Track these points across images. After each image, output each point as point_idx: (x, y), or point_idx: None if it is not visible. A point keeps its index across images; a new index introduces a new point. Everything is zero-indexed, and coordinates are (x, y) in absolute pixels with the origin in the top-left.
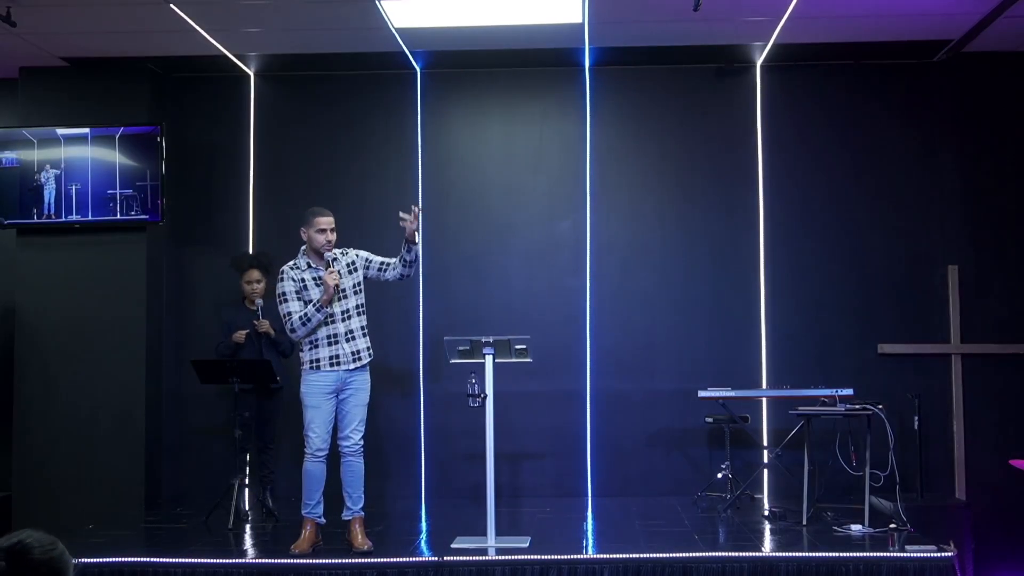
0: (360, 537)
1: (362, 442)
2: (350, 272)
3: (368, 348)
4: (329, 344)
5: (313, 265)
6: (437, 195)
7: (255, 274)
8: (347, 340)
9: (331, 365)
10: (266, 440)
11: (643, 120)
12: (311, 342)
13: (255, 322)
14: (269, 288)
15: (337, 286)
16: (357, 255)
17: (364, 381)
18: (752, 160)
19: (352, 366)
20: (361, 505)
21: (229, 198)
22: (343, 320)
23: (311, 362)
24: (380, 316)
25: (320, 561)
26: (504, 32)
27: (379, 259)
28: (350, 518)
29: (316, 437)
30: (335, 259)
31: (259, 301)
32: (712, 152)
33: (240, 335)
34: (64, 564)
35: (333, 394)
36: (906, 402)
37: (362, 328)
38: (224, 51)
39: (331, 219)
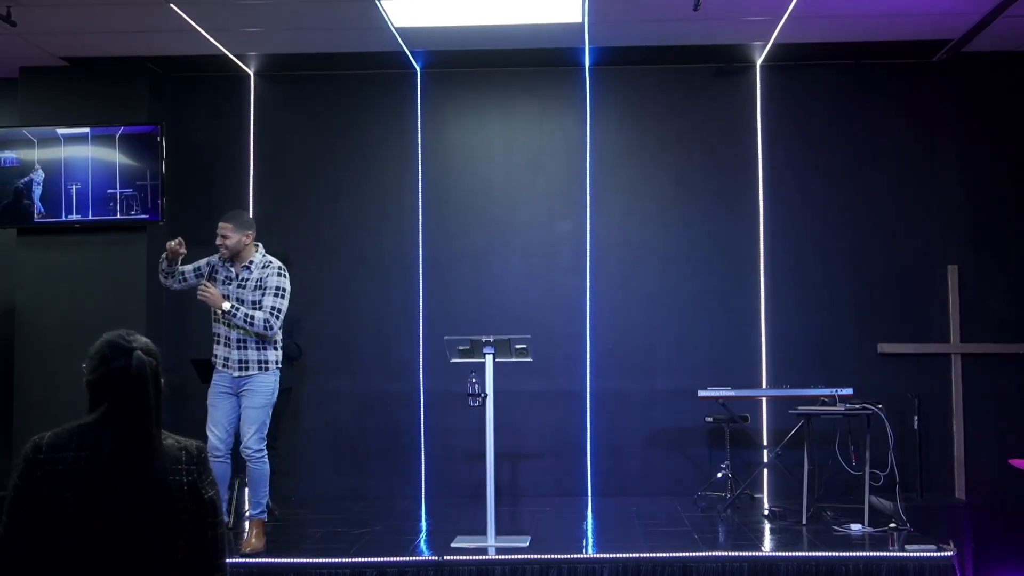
0: (254, 539)
1: (262, 447)
2: (255, 288)
3: (264, 361)
4: (216, 343)
5: (227, 264)
6: (437, 195)
7: None
8: (236, 348)
9: (221, 366)
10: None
11: (643, 120)
12: (214, 335)
13: None
14: None
15: (216, 300)
16: (269, 278)
17: (260, 384)
18: (752, 159)
19: (237, 373)
20: (260, 509)
21: (229, 198)
22: (228, 325)
23: (212, 356)
24: (380, 315)
25: (320, 561)
26: (504, 32)
27: (268, 302)
28: (248, 519)
29: (211, 435)
30: (247, 265)
31: None
32: (712, 152)
33: None
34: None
35: (230, 394)
36: (906, 402)
37: (258, 342)
38: (224, 51)
39: (221, 224)
